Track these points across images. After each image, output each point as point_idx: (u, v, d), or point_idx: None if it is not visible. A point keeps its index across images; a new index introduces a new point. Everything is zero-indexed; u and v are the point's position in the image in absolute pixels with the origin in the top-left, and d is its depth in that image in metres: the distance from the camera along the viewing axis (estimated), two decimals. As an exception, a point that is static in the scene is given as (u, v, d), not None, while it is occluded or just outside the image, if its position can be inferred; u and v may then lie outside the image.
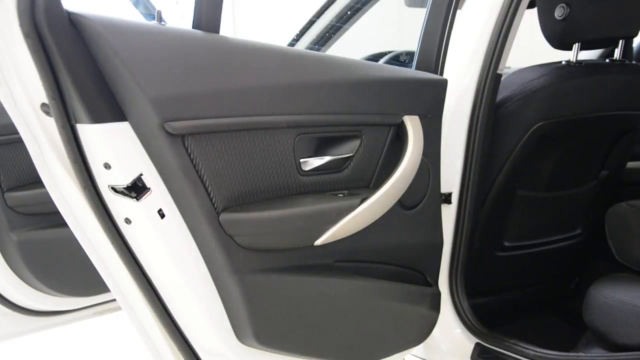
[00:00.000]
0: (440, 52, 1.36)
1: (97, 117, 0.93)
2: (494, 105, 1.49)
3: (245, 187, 1.08)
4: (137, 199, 0.98)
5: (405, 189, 1.22)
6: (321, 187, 1.19)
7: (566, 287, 2.00)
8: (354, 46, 2.26)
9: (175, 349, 1.13)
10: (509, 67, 1.83)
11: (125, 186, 0.97)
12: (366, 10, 2.20)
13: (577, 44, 1.55)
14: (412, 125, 1.23)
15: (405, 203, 1.30)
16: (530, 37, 1.75)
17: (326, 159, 1.18)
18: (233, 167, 1.06)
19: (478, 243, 1.62)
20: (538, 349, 1.46)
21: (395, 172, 1.19)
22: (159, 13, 1.10)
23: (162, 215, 1.00)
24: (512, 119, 1.54)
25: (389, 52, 2.36)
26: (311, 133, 1.15)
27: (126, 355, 2.38)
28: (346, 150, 1.20)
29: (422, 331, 1.42)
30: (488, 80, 1.44)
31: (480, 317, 1.59)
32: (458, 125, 1.47)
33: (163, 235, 1.02)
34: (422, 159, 1.26)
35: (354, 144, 1.21)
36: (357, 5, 2.17)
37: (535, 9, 1.57)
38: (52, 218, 1.53)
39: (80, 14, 0.92)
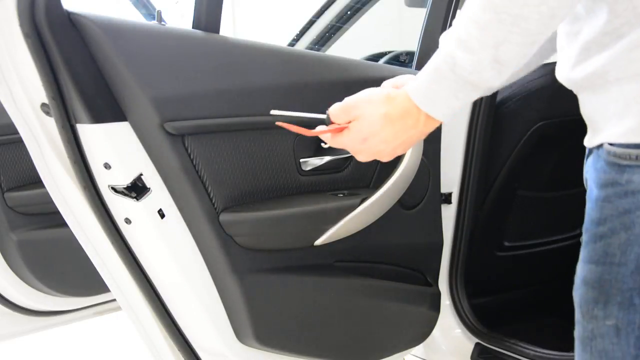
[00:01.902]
0: (440, 52, 1.35)
1: (97, 117, 0.93)
2: (494, 105, 1.49)
3: (245, 187, 1.08)
4: (137, 199, 0.98)
5: (405, 189, 1.21)
6: (321, 187, 1.18)
7: (566, 287, 1.99)
8: (354, 46, 2.25)
9: (175, 349, 1.12)
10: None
11: (125, 186, 0.97)
12: (366, 10, 2.20)
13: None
14: (412, 125, 1.23)
15: (405, 203, 1.30)
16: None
17: (326, 159, 1.18)
18: (233, 167, 1.05)
19: (478, 243, 1.61)
20: (538, 349, 1.46)
21: (395, 172, 1.18)
22: (159, 13, 1.10)
23: (162, 215, 1.00)
24: (512, 119, 1.54)
25: (389, 52, 2.35)
26: (311, 133, 1.15)
27: (126, 355, 2.38)
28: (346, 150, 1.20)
29: (422, 331, 1.42)
30: (488, 80, 1.44)
31: (480, 317, 1.59)
32: (458, 125, 1.47)
33: (163, 235, 1.02)
34: (422, 159, 1.25)
35: (354, 144, 1.21)
36: (357, 5, 2.17)
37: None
38: (52, 218, 1.53)
39: (80, 14, 0.92)
